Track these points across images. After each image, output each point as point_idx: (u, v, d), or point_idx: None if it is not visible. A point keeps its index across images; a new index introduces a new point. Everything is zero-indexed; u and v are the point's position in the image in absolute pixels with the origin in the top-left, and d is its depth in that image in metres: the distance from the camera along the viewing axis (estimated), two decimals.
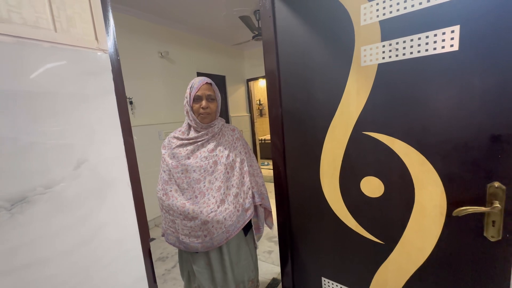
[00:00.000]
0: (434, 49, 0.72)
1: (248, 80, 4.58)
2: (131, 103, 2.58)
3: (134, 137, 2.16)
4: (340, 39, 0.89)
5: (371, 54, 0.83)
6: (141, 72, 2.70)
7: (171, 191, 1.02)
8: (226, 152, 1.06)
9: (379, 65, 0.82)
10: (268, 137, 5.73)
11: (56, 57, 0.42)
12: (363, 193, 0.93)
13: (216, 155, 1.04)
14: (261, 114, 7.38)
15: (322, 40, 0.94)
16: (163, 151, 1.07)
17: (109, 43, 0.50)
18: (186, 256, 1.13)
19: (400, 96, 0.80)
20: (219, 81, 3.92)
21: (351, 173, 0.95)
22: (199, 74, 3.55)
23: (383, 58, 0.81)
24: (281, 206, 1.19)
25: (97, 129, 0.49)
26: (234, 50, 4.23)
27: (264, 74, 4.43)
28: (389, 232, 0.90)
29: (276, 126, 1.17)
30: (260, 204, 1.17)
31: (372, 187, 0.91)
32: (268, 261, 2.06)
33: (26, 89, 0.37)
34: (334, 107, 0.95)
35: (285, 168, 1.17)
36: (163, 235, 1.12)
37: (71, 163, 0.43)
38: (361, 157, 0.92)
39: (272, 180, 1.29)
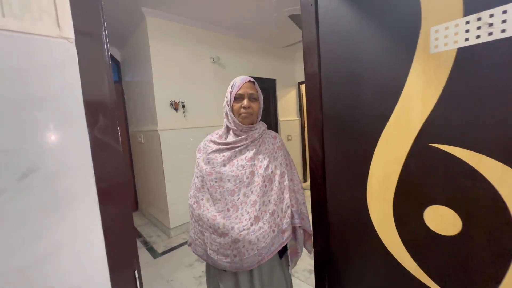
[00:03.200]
0: None
1: (300, 83, 4.39)
2: (183, 106, 2.73)
3: (191, 139, 2.24)
4: (399, 20, 0.68)
5: (446, 35, 0.59)
6: (194, 77, 2.84)
7: (202, 199, 0.94)
8: (266, 162, 0.93)
9: (460, 50, 0.58)
10: None
11: (3, 47, 0.35)
12: (428, 227, 0.68)
13: (254, 164, 0.92)
14: None
15: (374, 24, 0.74)
16: (198, 155, 1.01)
17: (76, 29, 0.42)
18: (214, 272, 1.05)
19: (492, 94, 0.54)
20: (270, 85, 3.85)
21: (411, 198, 0.71)
22: None
23: (466, 39, 0.57)
24: (319, 227, 1.00)
25: (54, 133, 0.42)
26: (285, 52, 4.11)
27: None
28: None
29: (315, 131, 1.00)
30: (300, 226, 1.00)
31: (442, 220, 0.65)
32: (308, 281, 1.85)
33: None
34: (389, 110, 0.73)
35: (324, 181, 0.98)
36: (189, 245, 1.07)
37: (16, 172, 0.36)
38: (427, 178, 0.67)
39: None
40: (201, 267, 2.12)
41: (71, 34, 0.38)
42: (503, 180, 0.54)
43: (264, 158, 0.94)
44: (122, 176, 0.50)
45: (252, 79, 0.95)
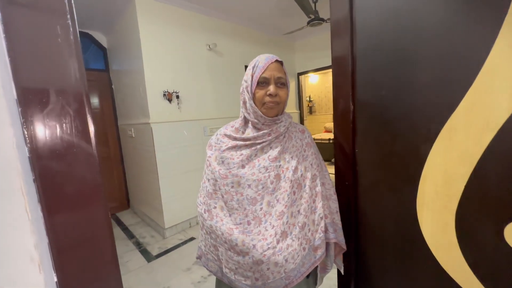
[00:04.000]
0: None
1: (299, 74, 4.20)
2: (177, 97, 2.51)
3: (184, 132, 2.01)
4: None
5: None
6: (189, 66, 2.61)
7: (215, 208, 0.76)
8: (294, 162, 0.75)
9: None
10: (319, 136, 5.24)
11: None
12: (510, 247, 0.53)
13: (280, 166, 0.74)
14: (310, 111, 6.90)
15: None
16: (208, 152, 0.81)
17: None
18: None
19: None
20: None
21: (486, 210, 0.55)
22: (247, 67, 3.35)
23: None
24: (346, 238, 0.84)
25: None
26: (285, 40, 3.90)
27: (315, 68, 4.00)
28: None
29: (343, 124, 0.83)
30: (334, 241, 0.81)
31: None
32: None
33: None
34: (456, 95, 0.56)
35: (356, 185, 0.82)
36: (199, 258, 0.88)
37: None
38: (511, 183, 0.51)
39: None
40: (200, 272, 1.96)
41: None
42: None
43: (292, 158, 0.76)
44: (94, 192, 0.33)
45: (280, 59, 0.75)
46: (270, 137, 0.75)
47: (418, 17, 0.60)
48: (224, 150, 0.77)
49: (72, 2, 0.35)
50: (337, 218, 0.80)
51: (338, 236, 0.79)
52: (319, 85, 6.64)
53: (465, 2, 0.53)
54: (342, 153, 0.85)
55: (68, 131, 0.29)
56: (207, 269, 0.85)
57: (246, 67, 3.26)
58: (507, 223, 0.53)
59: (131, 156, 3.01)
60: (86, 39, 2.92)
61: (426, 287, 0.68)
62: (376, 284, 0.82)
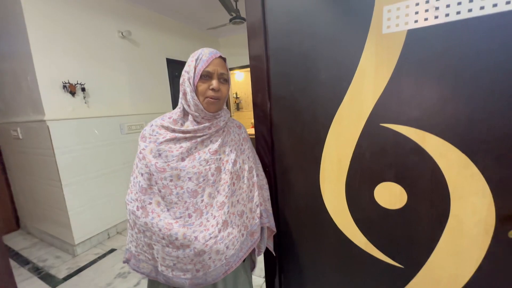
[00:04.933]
0: (495, 5, 0.51)
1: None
2: (83, 90, 2.14)
3: (95, 131, 1.72)
4: None
5: (398, 16, 0.60)
6: (97, 54, 2.26)
7: (150, 203, 0.72)
8: (233, 155, 0.79)
9: (410, 31, 0.60)
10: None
11: None
12: (378, 204, 0.72)
13: (221, 158, 0.76)
14: (238, 108, 7.09)
15: (328, 2, 0.70)
16: (142, 144, 0.76)
17: None
18: None
19: (438, 75, 0.59)
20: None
21: (363, 178, 0.73)
22: (169, 61, 3.15)
23: (416, 21, 0.59)
24: None
25: None
26: (208, 35, 3.86)
27: (241, 65, 4.13)
28: (411, 254, 0.70)
29: (262, 117, 0.92)
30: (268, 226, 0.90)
31: (390, 196, 0.70)
32: (257, 273, 1.83)
33: None
34: (342, 91, 0.72)
35: (274, 169, 0.93)
36: (127, 261, 0.80)
37: None
38: (377, 157, 0.70)
39: None
40: (123, 285, 1.77)
41: None
42: (442, 154, 0.61)
43: (231, 151, 0.79)
44: None
45: (223, 55, 0.76)
46: (210, 131, 0.76)
47: (313, 22, 0.73)
48: (161, 143, 0.73)
49: None
50: (269, 204, 0.88)
51: (270, 221, 0.88)
52: (245, 82, 6.88)
53: (344, 19, 0.68)
54: (262, 144, 0.94)
55: None
56: (137, 271, 0.79)
57: (168, 60, 3.08)
58: (375, 187, 0.72)
59: (17, 162, 2.39)
60: None
61: (328, 244, 0.85)
62: (296, 257, 0.95)
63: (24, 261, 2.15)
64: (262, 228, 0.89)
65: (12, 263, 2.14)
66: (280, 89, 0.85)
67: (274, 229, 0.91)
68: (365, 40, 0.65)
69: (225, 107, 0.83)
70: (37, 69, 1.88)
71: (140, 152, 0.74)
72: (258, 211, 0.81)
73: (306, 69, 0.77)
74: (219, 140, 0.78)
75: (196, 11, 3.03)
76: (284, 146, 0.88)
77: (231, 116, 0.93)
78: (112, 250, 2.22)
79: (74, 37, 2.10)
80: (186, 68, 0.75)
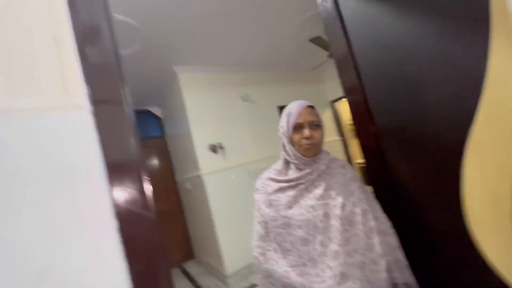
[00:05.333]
0: None
1: (332, 102, 4.22)
2: (221, 147, 2.78)
3: (232, 177, 2.18)
4: None
5: None
6: (228, 118, 2.93)
7: (269, 250, 0.78)
8: (340, 199, 0.75)
9: None
10: None
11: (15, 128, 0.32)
12: None
13: (327, 204, 0.75)
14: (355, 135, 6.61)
15: (419, 8, 0.62)
16: (256, 196, 0.85)
17: (88, 94, 0.37)
18: None
19: None
20: None
21: None
22: (281, 108, 3.55)
23: None
24: None
25: (70, 226, 0.34)
26: (313, 75, 4.07)
27: None
28: None
29: (372, 150, 0.85)
30: (404, 283, 0.73)
31: None
32: None
33: None
34: (469, 109, 0.56)
35: (396, 209, 0.79)
36: None
37: (27, 274, 0.30)
38: None
39: None
40: None
41: (85, 104, 0.35)
42: None
43: (338, 194, 0.76)
44: (158, 252, 0.42)
45: (310, 104, 0.82)
46: (312, 176, 0.78)
47: (409, 45, 0.66)
48: (271, 193, 0.81)
49: (127, 94, 0.44)
50: (400, 254, 0.73)
51: (405, 275, 0.72)
52: None
53: (447, 19, 0.57)
54: (376, 178, 0.85)
55: (134, 200, 0.40)
56: None
57: (279, 107, 3.47)
58: None
59: (190, 207, 3.30)
60: (146, 114, 3.57)
61: None
62: None
63: (198, 286, 2.77)
64: (396, 285, 0.74)
65: (191, 287, 2.81)
66: (384, 119, 0.77)
67: (414, 285, 0.73)
68: (488, 31, 0.51)
69: (325, 149, 0.84)
70: (194, 139, 2.65)
71: (256, 203, 0.84)
72: (383, 263, 0.70)
73: (410, 93, 0.68)
74: (323, 184, 0.77)
75: (297, 58, 3.34)
76: (404, 182, 0.76)
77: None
78: (254, 286, 2.46)
79: (213, 110, 2.84)
80: (281, 123, 0.84)
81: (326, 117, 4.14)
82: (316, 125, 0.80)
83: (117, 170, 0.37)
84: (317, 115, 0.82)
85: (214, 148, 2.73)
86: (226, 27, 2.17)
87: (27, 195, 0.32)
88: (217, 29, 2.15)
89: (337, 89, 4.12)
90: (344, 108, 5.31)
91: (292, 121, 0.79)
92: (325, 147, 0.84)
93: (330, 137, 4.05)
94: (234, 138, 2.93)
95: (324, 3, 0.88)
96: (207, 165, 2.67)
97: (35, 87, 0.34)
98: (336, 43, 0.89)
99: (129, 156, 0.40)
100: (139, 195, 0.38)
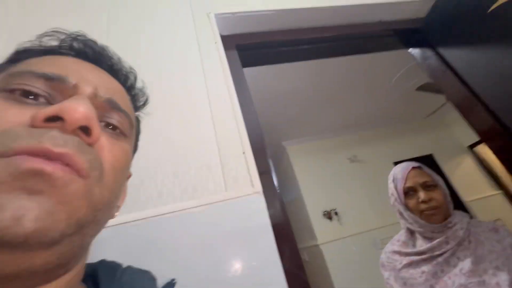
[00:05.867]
0: None
1: (472, 146, 3.35)
2: (336, 213, 2.65)
3: (353, 248, 2.02)
4: None
5: None
6: (338, 182, 2.87)
7: None
8: (503, 275, 0.58)
9: None
10: None
11: (226, 210, 0.59)
12: None
13: (484, 282, 0.59)
14: None
15: None
16: (385, 274, 0.76)
17: (261, 183, 0.62)
18: None
19: None
20: (427, 162, 3.19)
21: None
22: (397, 163, 3.16)
23: None
24: None
25: (259, 272, 0.53)
26: (431, 120, 3.54)
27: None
28: None
29: None
30: None
31: None
32: None
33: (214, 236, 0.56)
34: None
35: None
36: None
37: None
38: None
39: None
40: None
41: (260, 189, 0.61)
42: None
43: (497, 268, 0.60)
44: None
45: (417, 164, 0.77)
46: (449, 246, 0.66)
47: None
48: (400, 270, 0.71)
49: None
50: None
51: None
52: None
53: None
54: None
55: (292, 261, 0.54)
56: None
57: (395, 163, 3.11)
58: None
59: (310, 280, 3.06)
60: None
61: None
62: None
63: None
64: None
65: None
66: None
67: None
68: None
69: (459, 211, 0.70)
70: (307, 204, 2.69)
71: (387, 283, 0.74)
72: None
73: None
74: (469, 255, 0.63)
75: (406, 108, 3.09)
76: None
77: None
78: None
79: (322, 176, 2.88)
80: (389, 191, 0.79)
81: (467, 166, 3.27)
82: (431, 185, 0.72)
83: (279, 233, 0.55)
84: (429, 175, 0.74)
85: (328, 215, 2.64)
86: (325, 97, 2.42)
87: (230, 247, 0.55)
88: (317, 99, 2.43)
89: (471, 132, 3.31)
90: (488, 152, 4.06)
91: (400, 186, 0.75)
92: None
93: (485, 193, 3.06)
94: (348, 203, 2.76)
95: (427, 61, 0.91)
96: (324, 233, 2.56)
97: (236, 184, 0.62)
98: (452, 91, 0.85)
99: (282, 220, 0.56)
100: (296, 257, 0.51)
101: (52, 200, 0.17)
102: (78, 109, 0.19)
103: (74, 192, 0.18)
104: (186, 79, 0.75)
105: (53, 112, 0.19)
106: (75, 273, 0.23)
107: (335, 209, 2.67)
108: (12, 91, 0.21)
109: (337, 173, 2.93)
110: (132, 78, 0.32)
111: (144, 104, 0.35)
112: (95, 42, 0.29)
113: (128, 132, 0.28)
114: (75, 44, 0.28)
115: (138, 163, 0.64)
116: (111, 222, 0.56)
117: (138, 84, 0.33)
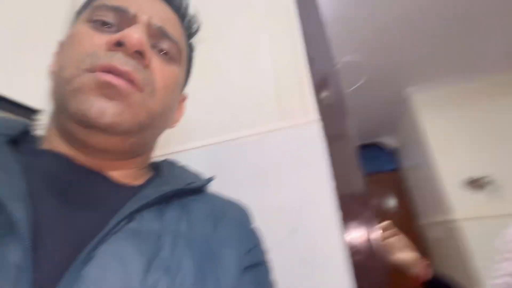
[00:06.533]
0: None
1: None
2: (489, 183, 1.89)
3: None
4: None
5: None
6: (498, 139, 2.00)
7: None
8: None
9: None
10: None
11: (281, 137, 0.59)
12: None
13: None
14: None
15: None
16: None
17: (317, 112, 0.56)
18: None
19: None
20: None
21: None
22: None
23: None
24: None
25: (308, 199, 0.52)
26: None
27: None
28: None
29: None
30: None
31: None
32: None
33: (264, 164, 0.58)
34: None
35: None
36: None
37: (284, 229, 0.50)
38: None
39: None
40: None
41: (315, 118, 0.57)
42: None
43: None
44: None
45: None
46: None
47: None
48: None
49: (353, 130, 0.57)
50: None
51: None
52: None
53: None
54: None
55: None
56: None
57: None
58: None
59: (441, 261, 2.51)
60: (376, 147, 3.47)
61: None
62: None
63: None
64: None
65: None
66: None
67: None
68: None
69: None
70: (441, 170, 2.09)
71: None
72: None
73: None
74: None
75: None
76: None
77: None
78: None
79: (469, 131, 2.10)
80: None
81: None
82: None
83: (339, 162, 0.51)
84: None
85: (476, 184, 1.94)
86: (473, 22, 1.63)
87: (279, 176, 0.56)
88: (461, 26, 1.69)
89: None
90: None
91: None
92: None
93: None
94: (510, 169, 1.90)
95: None
96: (465, 207, 1.94)
97: (291, 112, 0.60)
98: None
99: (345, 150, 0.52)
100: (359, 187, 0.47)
101: (121, 105, 0.25)
102: (133, 36, 0.25)
103: (134, 101, 0.26)
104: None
105: (117, 38, 0.25)
106: (143, 160, 0.33)
107: (488, 177, 1.92)
108: (95, 21, 0.28)
109: (492, 127, 2.03)
110: (184, 5, 0.35)
111: (196, 31, 0.38)
112: None
113: (177, 58, 0.32)
114: None
115: (198, 94, 0.71)
116: (178, 148, 0.66)
117: (190, 12, 0.36)
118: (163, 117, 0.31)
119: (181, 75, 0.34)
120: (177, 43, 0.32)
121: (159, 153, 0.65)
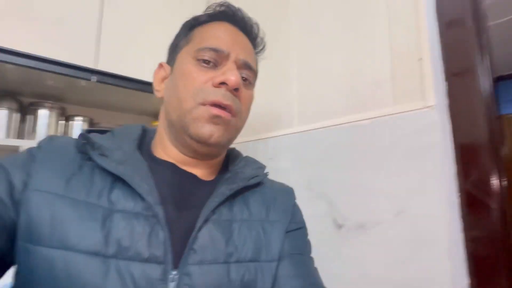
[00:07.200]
0: None
1: None
2: None
3: None
4: None
5: None
6: None
7: None
8: None
9: None
10: None
11: (392, 124, 0.58)
12: None
13: None
14: None
15: None
16: None
17: (438, 97, 0.52)
18: None
19: None
20: None
21: None
22: None
23: None
24: None
25: (418, 185, 0.52)
26: None
27: None
28: None
29: None
30: None
31: None
32: None
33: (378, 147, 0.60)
34: None
35: None
36: None
37: (392, 210, 0.54)
38: None
39: None
40: None
41: (433, 103, 0.53)
42: None
43: None
44: (496, 243, 0.44)
45: None
46: None
47: None
48: None
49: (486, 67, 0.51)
50: None
51: None
52: None
53: None
54: None
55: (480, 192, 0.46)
56: None
57: None
58: None
59: None
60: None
61: None
62: None
63: None
64: None
65: None
66: None
67: None
68: None
69: None
70: None
71: None
72: None
73: None
74: None
75: None
76: None
77: None
78: None
79: None
80: None
81: None
82: None
83: (464, 150, 0.50)
84: None
85: None
86: None
87: (395, 163, 0.58)
88: None
89: None
90: None
91: None
92: None
93: None
94: None
95: None
96: None
97: (406, 97, 0.58)
98: None
99: (479, 137, 0.48)
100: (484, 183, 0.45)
101: (222, 129, 0.36)
102: (232, 79, 0.35)
103: (232, 125, 0.37)
104: None
105: (221, 80, 0.35)
106: (222, 157, 0.44)
107: None
108: (198, 60, 0.37)
109: None
110: (255, 30, 0.44)
111: (261, 50, 0.46)
112: (238, 9, 0.42)
113: (254, 82, 0.42)
114: (227, 10, 0.41)
115: (311, 79, 0.71)
116: (288, 130, 0.74)
117: (260, 34, 0.44)
118: (242, 128, 0.42)
119: (253, 94, 0.43)
120: (255, 71, 0.41)
121: (275, 134, 0.76)
